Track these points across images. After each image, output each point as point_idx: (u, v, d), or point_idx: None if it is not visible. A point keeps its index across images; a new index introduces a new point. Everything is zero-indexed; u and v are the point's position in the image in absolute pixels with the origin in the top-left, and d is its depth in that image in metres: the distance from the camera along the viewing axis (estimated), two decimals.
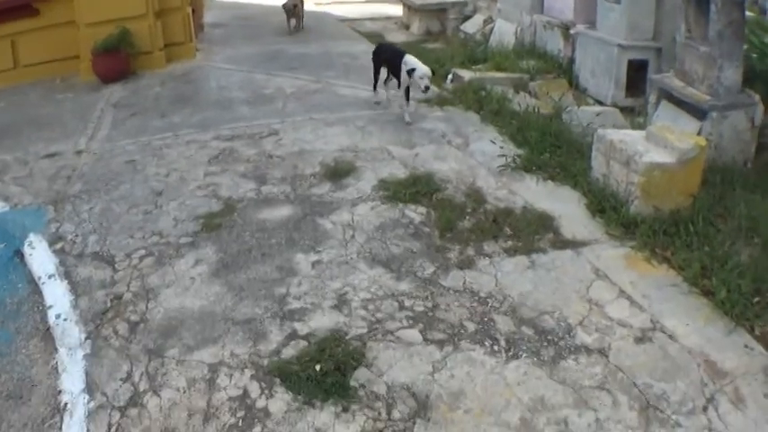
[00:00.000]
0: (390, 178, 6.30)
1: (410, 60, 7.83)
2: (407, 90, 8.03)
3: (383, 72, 8.64)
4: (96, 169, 6.77)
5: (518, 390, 3.78)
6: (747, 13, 8.05)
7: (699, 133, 6.58)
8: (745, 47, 7.29)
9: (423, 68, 7.67)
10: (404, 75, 7.80)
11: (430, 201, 5.88)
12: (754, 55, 7.53)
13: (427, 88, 7.68)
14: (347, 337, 4.14)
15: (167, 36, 11.14)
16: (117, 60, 10.20)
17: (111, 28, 10.13)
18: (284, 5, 13.78)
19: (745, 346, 4.14)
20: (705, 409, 3.66)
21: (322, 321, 4.29)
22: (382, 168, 6.57)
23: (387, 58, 8.50)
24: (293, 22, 14.03)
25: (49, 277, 4.82)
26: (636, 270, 4.92)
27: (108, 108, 8.90)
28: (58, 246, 5.28)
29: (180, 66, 11.00)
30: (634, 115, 8.36)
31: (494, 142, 7.21)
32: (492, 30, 12.75)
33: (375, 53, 8.82)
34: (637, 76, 9.09)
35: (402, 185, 6.10)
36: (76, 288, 4.71)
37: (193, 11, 12.27)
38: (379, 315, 4.34)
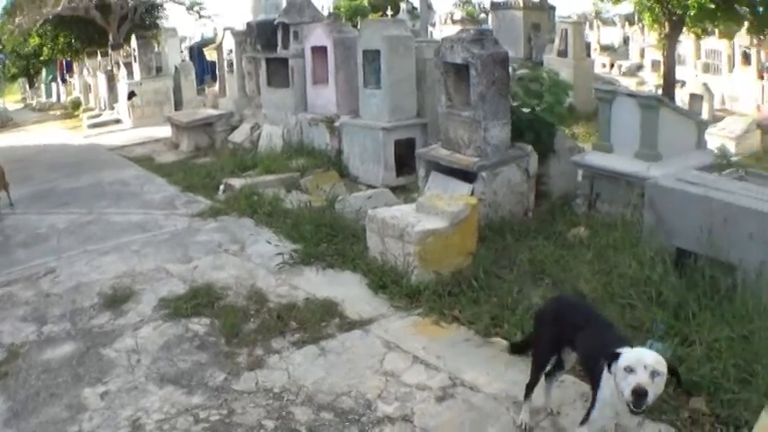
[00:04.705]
0: (170, 296, 6.23)
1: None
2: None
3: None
4: None
5: None
6: (523, 71, 8.65)
7: (471, 195, 6.85)
8: (517, 103, 7.69)
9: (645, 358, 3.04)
10: (621, 380, 3.04)
11: (212, 310, 5.85)
12: (526, 109, 7.85)
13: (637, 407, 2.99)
14: None
15: None
16: None
17: None
18: None
19: None
20: None
21: None
22: (161, 287, 6.49)
23: (584, 338, 3.63)
24: None
25: None
26: (426, 335, 5.09)
27: None
28: None
29: None
30: (407, 192, 8.69)
31: (270, 242, 7.33)
32: (260, 135, 13.00)
33: (551, 315, 3.92)
34: (407, 154, 9.43)
35: (182, 300, 6.05)
36: None
37: None
38: None
